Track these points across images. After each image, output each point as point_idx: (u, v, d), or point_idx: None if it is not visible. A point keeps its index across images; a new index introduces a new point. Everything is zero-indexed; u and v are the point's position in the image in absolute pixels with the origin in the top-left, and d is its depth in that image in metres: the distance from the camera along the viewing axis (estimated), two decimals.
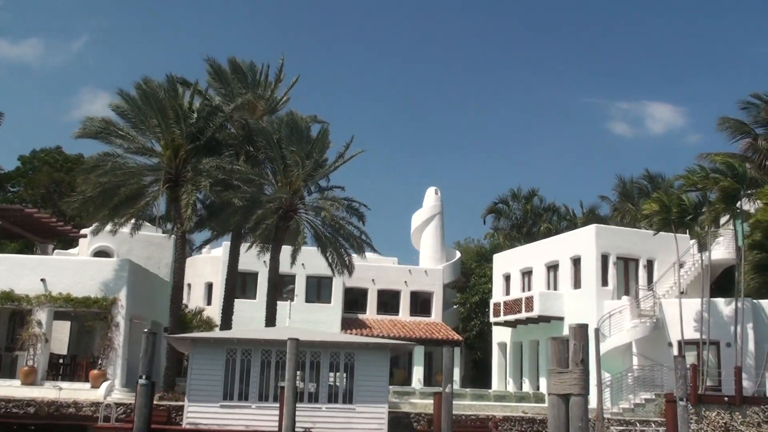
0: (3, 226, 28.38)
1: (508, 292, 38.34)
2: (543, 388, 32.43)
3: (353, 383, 21.65)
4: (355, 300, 42.01)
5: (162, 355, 27.39)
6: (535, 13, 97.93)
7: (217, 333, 26.20)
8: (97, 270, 26.36)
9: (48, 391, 23.41)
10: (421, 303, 43.16)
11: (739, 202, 29.33)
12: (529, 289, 36.27)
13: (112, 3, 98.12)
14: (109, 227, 27.56)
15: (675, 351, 28.52)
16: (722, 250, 32.56)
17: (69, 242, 39.35)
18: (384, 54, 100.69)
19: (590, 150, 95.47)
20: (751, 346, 29.06)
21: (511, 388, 36.74)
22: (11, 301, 25.44)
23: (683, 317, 28.34)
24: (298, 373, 20.49)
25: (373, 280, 41.91)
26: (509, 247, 42.53)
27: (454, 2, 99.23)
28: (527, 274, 37.45)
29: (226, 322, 28.35)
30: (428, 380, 39.47)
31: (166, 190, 26.59)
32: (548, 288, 35.32)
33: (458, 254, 47.19)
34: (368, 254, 32.84)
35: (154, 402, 21.71)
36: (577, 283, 33.87)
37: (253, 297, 37.25)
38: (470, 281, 44.68)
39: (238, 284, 33.49)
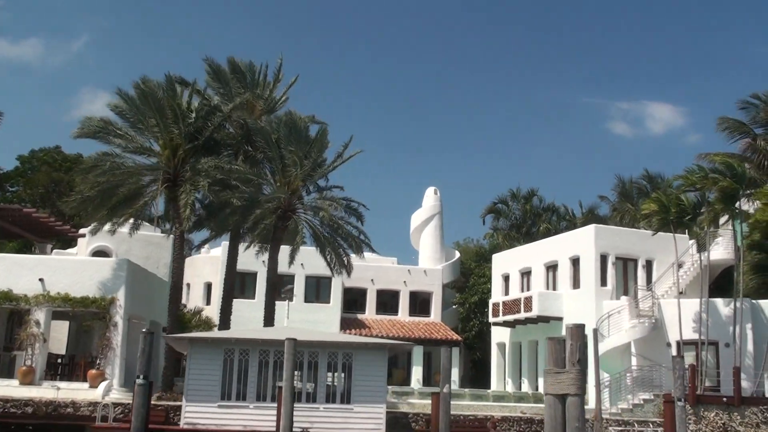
0: (1, 226, 28.35)
1: (507, 293, 38.32)
2: (542, 389, 32.39)
3: (351, 383, 21.62)
4: (354, 300, 41.99)
5: (160, 355, 27.37)
6: (535, 13, 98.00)
7: (214, 333, 26.17)
8: (96, 270, 26.33)
9: (46, 391, 23.38)
10: (420, 303, 43.14)
11: (738, 203, 29.32)
12: (528, 290, 36.25)
13: (112, 3, 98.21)
14: (107, 227, 27.57)
15: (674, 351, 28.51)
16: (721, 250, 32.55)
17: (68, 242, 39.33)
18: (383, 54, 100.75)
19: (590, 150, 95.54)
20: (749, 346, 29.03)
21: (510, 388, 36.72)
22: (9, 301, 25.41)
23: (682, 317, 28.34)
24: (296, 373, 20.50)
25: (372, 280, 41.89)
26: (508, 247, 42.50)
27: (453, 2, 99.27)
28: (526, 274, 37.44)
29: (225, 322, 28.34)
30: (427, 380, 39.44)
31: (164, 190, 26.59)
32: (547, 288, 35.30)
33: (457, 254, 47.17)
34: (367, 254, 32.81)
35: (153, 402, 21.66)
36: (576, 284, 33.86)
37: (252, 297, 37.24)
38: (469, 281, 44.66)
39: (237, 284, 33.50)
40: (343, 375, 21.77)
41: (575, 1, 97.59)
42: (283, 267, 29.57)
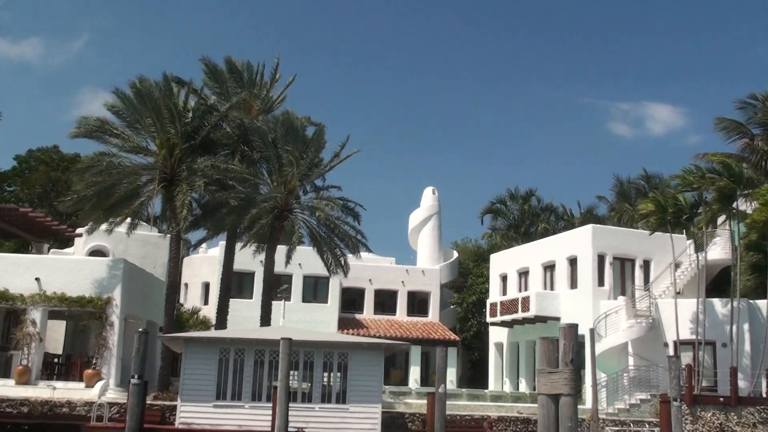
0: None
1: (504, 292, 38.31)
2: None
3: (347, 383, 21.59)
4: (352, 300, 41.96)
5: (157, 355, 27.34)
6: (535, 13, 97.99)
7: (210, 333, 26.13)
8: (92, 269, 26.29)
9: (42, 391, 23.33)
10: (418, 303, 43.10)
11: (735, 203, 29.31)
12: (526, 289, 36.24)
13: (112, 3, 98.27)
14: (104, 227, 27.53)
15: (671, 351, 28.48)
16: (719, 250, 32.55)
17: (65, 242, 39.30)
18: (382, 54, 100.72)
19: (590, 150, 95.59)
20: (747, 346, 29.02)
21: (507, 388, 36.71)
22: (6, 301, 25.37)
23: (679, 317, 28.32)
24: (292, 372, 20.49)
25: (370, 280, 41.88)
26: (507, 247, 42.48)
27: (453, 2, 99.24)
28: (524, 274, 37.42)
29: (221, 322, 28.31)
30: (425, 380, 39.41)
31: (161, 190, 26.57)
32: (545, 288, 35.28)
33: (456, 254, 47.14)
34: (365, 254, 32.78)
35: (149, 402, 21.71)
36: (573, 284, 33.84)
37: (250, 297, 37.19)
38: (467, 281, 44.66)
39: (235, 284, 33.46)
40: (338, 375, 21.75)
41: (575, 1, 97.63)
42: (280, 267, 29.54)
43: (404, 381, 38.54)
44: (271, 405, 19.68)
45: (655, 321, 30.13)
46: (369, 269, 40.79)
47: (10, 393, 22.81)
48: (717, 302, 29.95)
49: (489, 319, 37.83)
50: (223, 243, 31.92)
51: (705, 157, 33.26)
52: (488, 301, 38.34)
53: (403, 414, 24.17)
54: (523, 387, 35.70)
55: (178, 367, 27.34)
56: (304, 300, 38.88)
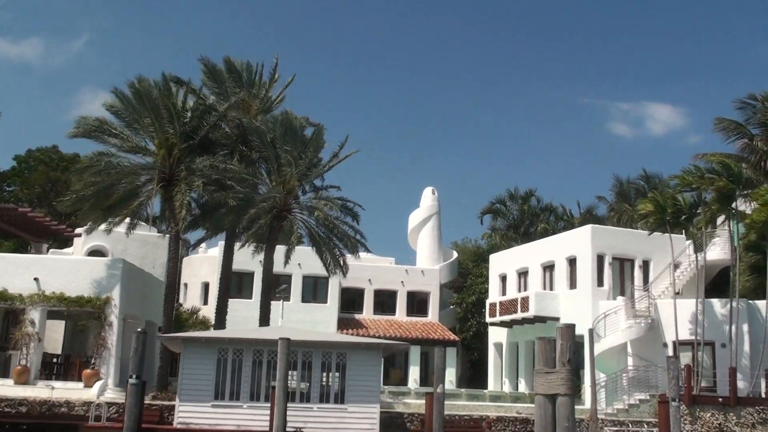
0: None
1: (504, 293, 38.30)
2: None
3: (345, 383, 21.59)
4: (351, 300, 41.97)
5: (156, 355, 27.34)
6: (535, 14, 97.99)
7: (208, 332, 26.14)
8: (91, 269, 26.29)
9: (41, 391, 23.35)
10: (417, 303, 43.10)
11: (734, 203, 29.29)
12: (525, 290, 36.23)
13: (112, 3, 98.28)
14: (103, 227, 27.52)
15: (670, 351, 28.48)
16: (718, 250, 32.53)
17: (64, 242, 39.30)
18: (382, 54, 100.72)
19: (590, 151, 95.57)
20: (746, 346, 29.00)
21: (506, 388, 36.70)
22: (5, 300, 25.36)
23: (678, 318, 28.31)
24: (291, 372, 20.48)
25: (369, 280, 41.89)
26: (506, 248, 42.46)
27: (453, 2, 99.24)
28: (523, 274, 37.42)
29: (220, 322, 28.30)
30: (425, 380, 39.38)
31: (160, 190, 26.55)
32: (544, 288, 35.27)
33: (455, 254, 47.15)
34: (365, 254, 32.74)
35: (147, 401, 21.72)
36: (572, 284, 33.82)
37: (249, 297, 37.17)
38: (467, 281, 44.66)
39: (234, 284, 33.45)
40: (337, 375, 21.75)
41: (575, 1, 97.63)
42: (279, 267, 29.54)
43: (403, 381, 38.54)
44: (269, 405, 19.68)
45: (654, 321, 30.12)
46: (368, 269, 40.79)
47: (9, 393, 22.84)
48: (716, 302, 29.93)
49: (488, 320, 37.83)
50: (222, 243, 31.91)
51: (704, 157, 33.25)
52: (488, 302, 38.33)
53: (402, 414, 24.17)
54: (523, 387, 35.68)
55: (176, 367, 27.38)
56: (304, 300, 38.89)
